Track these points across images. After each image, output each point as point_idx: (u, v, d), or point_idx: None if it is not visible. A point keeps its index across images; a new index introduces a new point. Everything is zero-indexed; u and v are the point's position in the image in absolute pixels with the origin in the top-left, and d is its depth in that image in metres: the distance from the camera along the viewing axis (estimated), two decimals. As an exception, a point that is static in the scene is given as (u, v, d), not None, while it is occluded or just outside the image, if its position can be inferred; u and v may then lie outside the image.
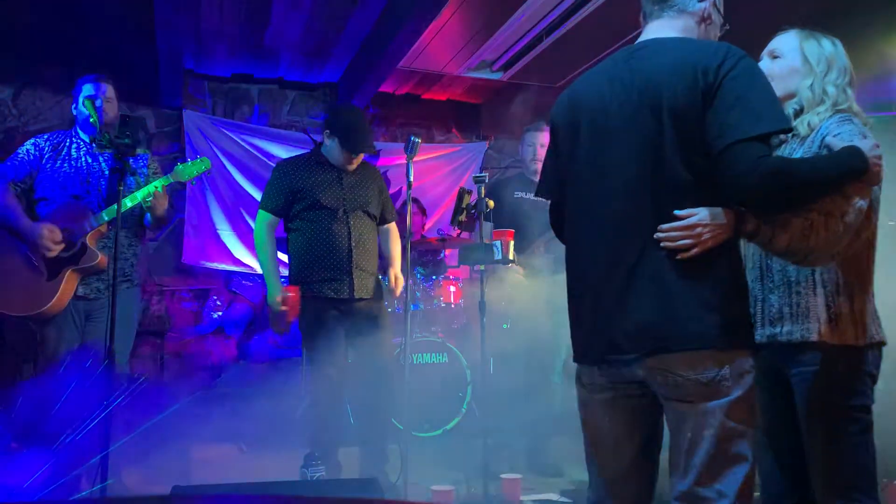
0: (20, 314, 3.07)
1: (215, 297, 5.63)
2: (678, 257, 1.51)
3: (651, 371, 1.53)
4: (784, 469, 1.90)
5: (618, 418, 1.64)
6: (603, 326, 1.60)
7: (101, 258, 3.17)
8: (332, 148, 3.42)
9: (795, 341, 1.81)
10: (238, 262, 5.51)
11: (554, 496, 3.45)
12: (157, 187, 3.14)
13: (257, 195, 5.14)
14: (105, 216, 3.13)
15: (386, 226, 3.62)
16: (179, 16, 4.22)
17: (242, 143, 5.62)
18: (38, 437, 3.08)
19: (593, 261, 1.64)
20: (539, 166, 3.89)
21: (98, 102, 3.25)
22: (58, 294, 3.08)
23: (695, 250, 1.50)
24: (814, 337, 1.79)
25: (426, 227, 5.70)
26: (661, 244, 1.53)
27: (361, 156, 3.48)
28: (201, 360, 5.51)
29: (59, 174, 3.19)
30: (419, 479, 3.56)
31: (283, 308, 3.28)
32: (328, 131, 3.42)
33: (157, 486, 3.39)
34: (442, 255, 4.96)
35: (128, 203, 3.10)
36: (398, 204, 5.73)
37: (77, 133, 3.31)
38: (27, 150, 3.20)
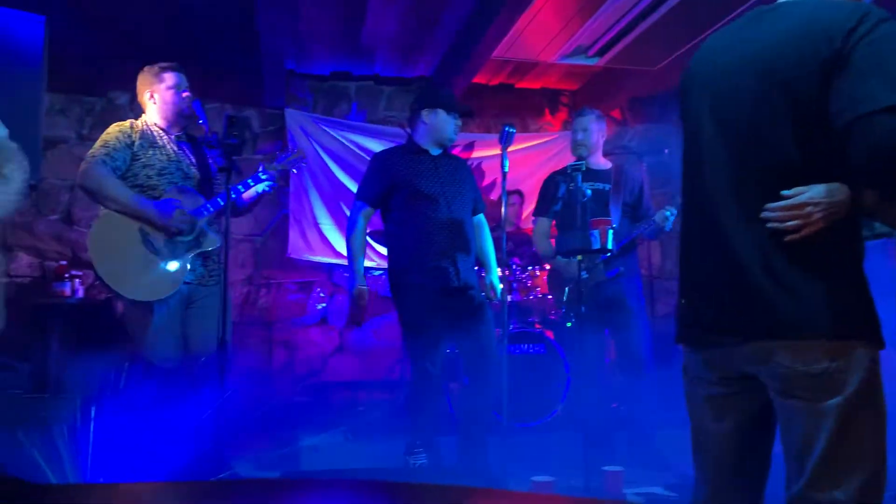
0: (142, 299, 3.03)
1: (319, 289, 5.80)
2: (787, 239, 1.40)
3: (756, 360, 1.44)
4: None
5: (723, 413, 1.55)
6: (706, 308, 1.53)
7: (214, 240, 3.20)
8: (433, 125, 3.43)
9: None
10: (339, 254, 5.65)
11: (658, 490, 3.38)
12: (264, 187, 3.30)
13: (355, 189, 5.25)
14: (211, 207, 3.17)
15: (476, 217, 3.63)
16: (281, 18, 4.37)
17: (341, 139, 5.75)
18: (149, 426, 3.22)
19: (701, 240, 1.57)
20: (582, 151, 3.82)
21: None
22: (178, 278, 3.09)
23: (804, 231, 1.39)
24: None
25: (524, 216, 5.67)
26: (769, 225, 1.43)
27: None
28: (306, 350, 5.71)
29: (154, 163, 3.17)
30: (519, 470, 3.57)
31: (362, 302, 3.36)
32: (426, 110, 3.45)
33: (267, 474, 3.54)
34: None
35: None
36: (494, 195, 5.73)
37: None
38: (117, 139, 3.16)
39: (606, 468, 3.25)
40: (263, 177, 3.30)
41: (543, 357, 4.34)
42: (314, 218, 5.64)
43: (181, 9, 4.68)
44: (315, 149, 5.69)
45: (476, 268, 3.65)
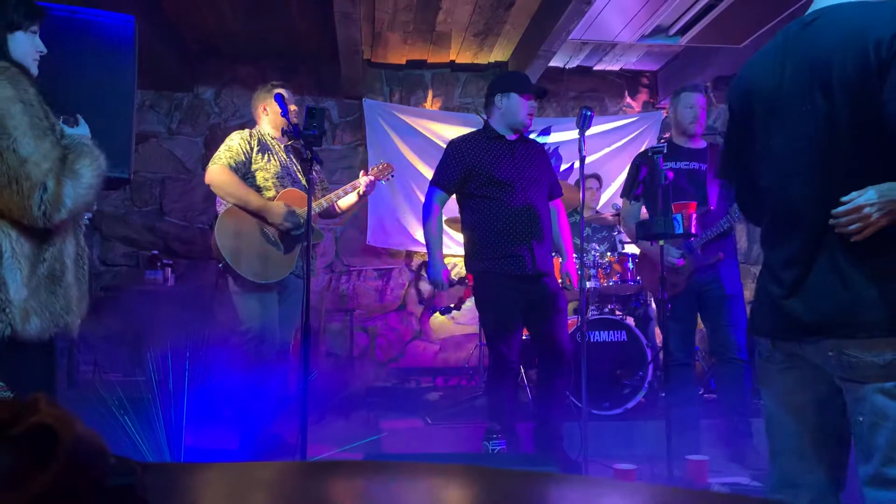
0: (256, 280, 3.44)
1: (398, 276, 5.87)
2: (852, 240, 1.47)
3: (826, 355, 1.51)
4: None
5: (796, 391, 1.61)
6: (780, 308, 1.59)
7: (321, 234, 3.71)
8: (507, 109, 3.41)
9: None
10: (418, 242, 5.70)
11: (744, 479, 3.29)
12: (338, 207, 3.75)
13: (430, 174, 5.30)
14: (317, 206, 3.59)
15: (553, 202, 3.59)
16: (356, 8, 4.41)
17: (418, 128, 5.79)
18: (242, 409, 3.39)
19: (774, 245, 1.65)
20: (698, 129, 3.70)
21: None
22: (288, 265, 3.52)
23: (866, 232, 1.44)
24: None
25: (602, 201, 5.58)
26: (836, 230, 1.49)
27: (533, 117, 3.48)
28: (386, 336, 5.80)
29: (269, 168, 3.60)
30: (600, 457, 3.53)
31: (442, 291, 3.38)
32: (499, 94, 3.44)
33: (349, 456, 3.62)
34: (617, 230, 4.83)
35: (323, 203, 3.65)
36: (572, 179, 5.66)
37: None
38: (239, 145, 3.57)
39: (690, 457, 3.18)
40: (353, 193, 3.73)
41: (625, 344, 4.27)
42: (393, 207, 5.70)
43: (260, 4, 4.80)
44: (392, 138, 5.74)
45: (553, 254, 3.62)
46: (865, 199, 1.44)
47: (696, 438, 3.60)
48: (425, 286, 5.80)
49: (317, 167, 3.28)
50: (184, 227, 5.66)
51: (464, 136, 3.56)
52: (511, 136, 3.45)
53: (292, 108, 3.66)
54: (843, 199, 1.47)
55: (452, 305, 3.45)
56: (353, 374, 5.49)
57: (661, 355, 4.09)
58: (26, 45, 1.91)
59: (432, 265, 3.44)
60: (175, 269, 5.37)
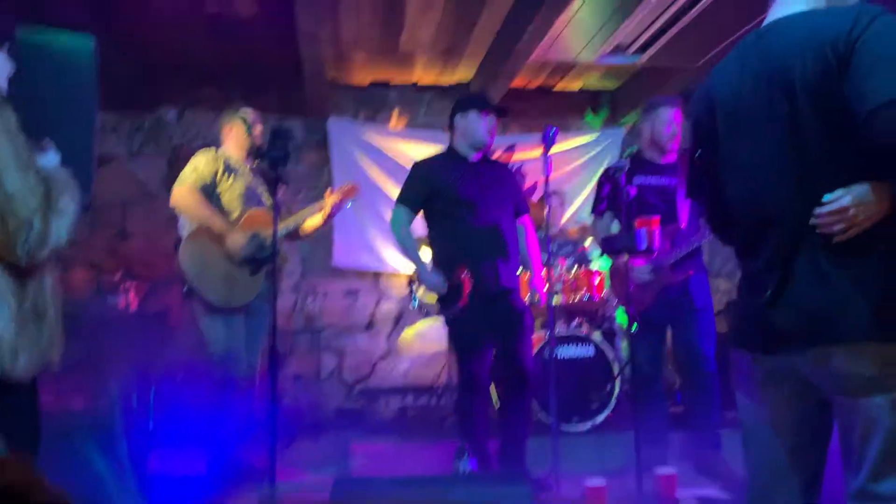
0: (222, 304, 3.42)
1: (365, 296, 5.85)
2: (834, 241, 1.44)
3: (811, 365, 1.48)
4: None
5: (777, 410, 1.58)
6: (762, 318, 1.55)
7: (286, 257, 3.75)
8: (466, 128, 3.44)
9: None
10: (384, 262, 5.70)
11: (713, 492, 3.32)
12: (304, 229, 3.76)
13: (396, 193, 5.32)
14: (283, 227, 3.56)
15: (520, 219, 3.61)
16: (321, 27, 4.43)
17: (383, 148, 5.80)
18: (209, 434, 3.34)
19: (750, 254, 1.63)
20: (674, 145, 3.75)
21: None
22: (254, 289, 3.48)
23: (850, 232, 1.42)
24: None
25: (564, 218, 5.64)
26: (817, 231, 1.46)
27: (493, 138, 3.51)
28: (354, 356, 5.76)
29: (234, 189, 3.59)
30: (570, 473, 3.54)
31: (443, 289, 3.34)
32: (458, 115, 3.48)
33: (319, 479, 3.58)
34: (582, 246, 4.89)
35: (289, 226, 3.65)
36: (536, 197, 5.71)
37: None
38: (205, 166, 3.56)
39: (659, 470, 3.21)
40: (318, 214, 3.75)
41: (592, 359, 4.31)
42: (359, 226, 5.69)
43: (224, 24, 4.78)
44: (357, 157, 5.75)
45: (520, 271, 3.64)
46: (851, 198, 1.42)
47: (665, 451, 3.63)
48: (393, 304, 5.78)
49: (282, 188, 3.27)
50: (147, 249, 5.58)
51: (428, 157, 3.60)
52: (474, 157, 3.48)
53: (258, 128, 3.67)
54: (826, 198, 1.44)
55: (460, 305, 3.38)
56: (321, 395, 5.44)
57: (628, 369, 4.13)
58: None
59: (422, 272, 3.43)
60: (138, 293, 5.27)
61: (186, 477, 3.40)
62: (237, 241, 3.45)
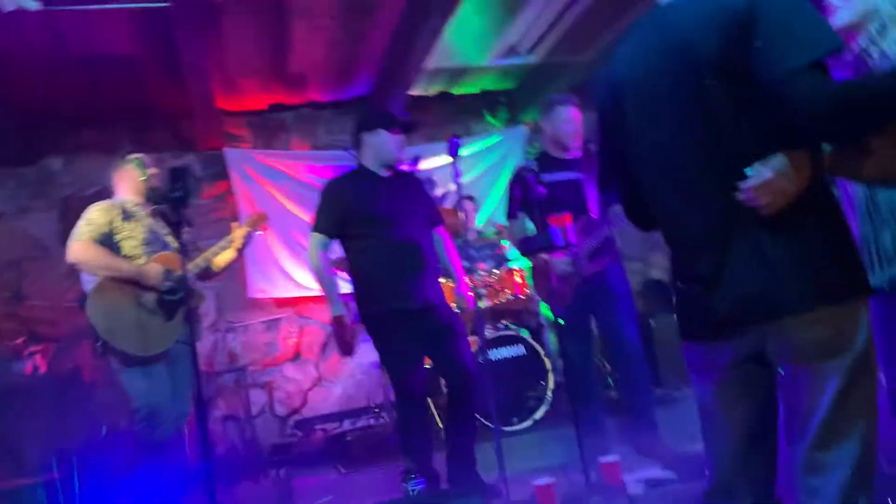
0: (140, 353, 3.26)
1: (287, 325, 5.71)
2: (764, 215, 1.40)
3: (766, 339, 1.45)
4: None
5: (733, 398, 1.55)
6: (705, 307, 1.52)
7: (202, 296, 3.62)
8: (377, 147, 3.40)
9: None
10: (302, 286, 5.58)
11: (656, 471, 3.38)
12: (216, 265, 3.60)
13: (308, 217, 5.23)
14: (193, 267, 3.45)
15: (436, 229, 3.59)
16: (205, 58, 4.29)
17: (287, 171, 5.69)
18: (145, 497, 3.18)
19: (682, 240, 1.59)
20: (576, 143, 3.81)
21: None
22: (172, 334, 3.35)
23: (779, 202, 1.38)
24: None
25: (479, 221, 5.67)
26: (744, 208, 1.42)
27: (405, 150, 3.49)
28: (284, 388, 5.61)
29: (135, 235, 3.44)
30: (516, 474, 3.55)
31: (345, 331, 3.31)
32: (366, 132, 3.42)
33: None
34: (500, 247, 4.92)
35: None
36: (448, 204, 5.71)
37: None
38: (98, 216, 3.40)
39: (602, 459, 3.24)
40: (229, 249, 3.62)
41: (524, 357, 4.34)
42: (272, 254, 5.56)
43: (96, 63, 4.55)
44: (261, 185, 5.61)
45: (444, 281, 3.63)
46: (773, 169, 1.38)
47: (605, 439, 3.68)
48: (318, 330, 5.67)
49: (187, 228, 3.14)
50: (49, 308, 5.26)
51: (337, 178, 3.51)
52: (385, 173, 3.44)
53: (152, 171, 3.52)
54: (748, 171, 1.40)
55: (349, 350, 3.36)
56: (255, 433, 5.27)
57: (560, 362, 4.18)
58: None
59: (336, 309, 3.36)
60: (45, 355, 4.98)
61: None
62: (153, 271, 3.31)
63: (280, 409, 5.57)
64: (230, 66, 5.02)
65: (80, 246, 3.29)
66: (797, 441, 1.43)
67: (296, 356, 5.70)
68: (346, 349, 3.39)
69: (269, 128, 5.93)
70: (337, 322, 3.35)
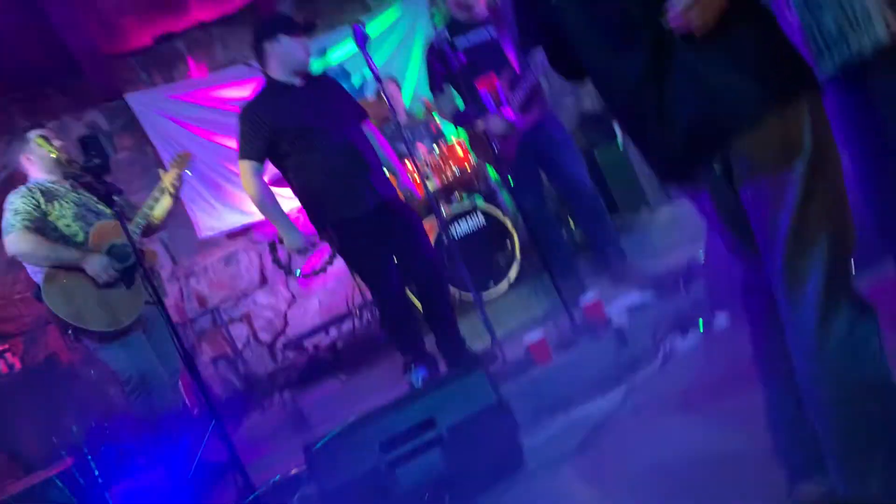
0: (123, 325, 3.23)
1: (246, 255, 5.66)
2: (696, 36, 1.34)
3: (727, 160, 1.42)
4: None
5: (717, 213, 1.52)
6: (659, 143, 1.48)
7: (154, 252, 3.55)
8: (282, 55, 3.23)
9: (868, 53, 1.63)
10: (248, 213, 5.48)
11: (635, 297, 3.51)
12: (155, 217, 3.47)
13: (233, 143, 5.07)
14: (136, 230, 3.31)
15: (363, 124, 3.46)
16: (77, 11, 3.97)
17: (197, 102, 5.44)
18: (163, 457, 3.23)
19: (616, 84, 1.53)
20: (480, 0, 3.69)
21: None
22: (137, 299, 3.30)
23: (709, 18, 1.33)
24: (886, 38, 1.60)
25: (406, 101, 5.55)
26: (674, 32, 1.36)
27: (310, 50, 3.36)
28: (263, 315, 5.63)
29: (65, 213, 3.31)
30: (507, 336, 3.68)
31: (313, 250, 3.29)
32: (267, 42, 3.24)
33: (286, 448, 3.56)
34: (434, 124, 4.85)
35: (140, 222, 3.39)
36: (370, 94, 5.56)
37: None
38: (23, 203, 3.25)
39: (583, 300, 3.36)
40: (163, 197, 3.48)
41: (485, 225, 4.39)
42: (207, 190, 5.41)
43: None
44: (174, 124, 5.38)
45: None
46: None
47: (580, 280, 3.81)
48: (285, 254, 5.62)
49: (117, 196, 3.04)
50: (1, 305, 5.11)
51: (252, 100, 3.32)
52: (298, 82, 3.28)
53: (59, 143, 3.31)
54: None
55: (321, 268, 3.35)
56: (247, 367, 5.34)
57: (520, 219, 4.25)
58: None
59: (287, 233, 3.31)
60: (15, 351, 4.88)
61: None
62: (96, 262, 3.22)
63: (265, 336, 5.61)
64: (103, 7, 4.66)
65: (16, 237, 3.17)
66: (772, 260, 1.41)
67: (263, 282, 5.69)
68: (315, 272, 3.37)
69: (163, 61, 5.61)
70: (302, 249, 3.32)
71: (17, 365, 4.82)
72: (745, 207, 1.45)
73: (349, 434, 2.51)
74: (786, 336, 1.44)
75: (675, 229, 4.28)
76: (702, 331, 3.02)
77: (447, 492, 2.45)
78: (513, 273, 4.36)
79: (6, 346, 4.86)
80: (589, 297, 3.37)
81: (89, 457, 3.31)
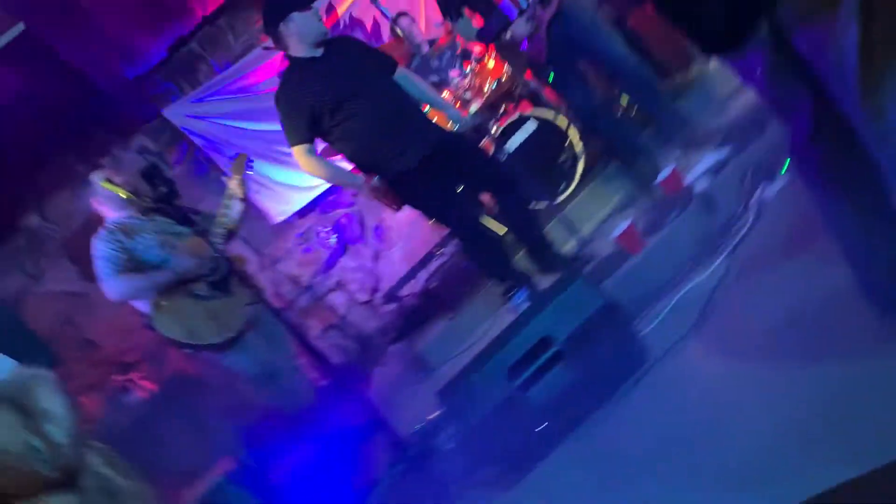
0: (234, 331, 3.36)
1: (320, 229, 5.79)
2: None
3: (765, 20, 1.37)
4: None
5: None
6: (700, 13, 1.41)
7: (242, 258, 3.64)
8: (298, 33, 3.21)
9: None
10: (311, 187, 5.58)
11: (712, 156, 3.40)
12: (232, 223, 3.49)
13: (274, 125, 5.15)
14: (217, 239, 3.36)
15: (397, 72, 3.43)
16: (91, 48, 4.05)
17: (229, 97, 5.50)
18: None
19: None
20: None
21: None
22: (239, 304, 3.41)
23: None
24: None
25: (425, 30, 5.44)
26: None
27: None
28: (354, 277, 5.78)
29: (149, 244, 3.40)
30: (593, 234, 3.68)
31: (381, 192, 3.31)
32: (281, 24, 3.22)
33: (409, 391, 3.69)
34: (458, 47, 4.76)
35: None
36: (385, 36, 5.47)
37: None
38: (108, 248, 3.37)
39: (660, 176, 3.29)
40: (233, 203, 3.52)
41: (538, 130, 4.32)
42: (266, 177, 5.52)
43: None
44: (219, 125, 5.47)
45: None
46: None
47: (650, 157, 3.73)
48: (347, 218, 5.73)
49: (195, 216, 3.15)
50: (118, 340, 5.42)
51: (282, 85, 3.33)
52: (319, 52, 3.26)
53: (121, 179, 3.40)
54: None
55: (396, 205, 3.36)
56: (356, 328, 5.55)
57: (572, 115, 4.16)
58: None
59: (353, 182, 3.35)
60: (144, 377, 5.22)
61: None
62: (194, 266, 3.34)
63: (362, 297, 5.78)
64: (112, 35, 4.73)
65: (113, 284, 3.31)
66: (845, 99, 1.34)
67: (344, 248, 5.82)
68: (395, 204, 3.37)
69: (185, 67, 5.65)
70: (370, 192, 3.35)
71: (152, 387, 5.16)
72: (803, 57, 1.39)
73: (474, 370, 2.60)
74: (882, 172, 1.39)
75: (733, 76, 4.09)
76: (786, 172, 2.93)
77: (581, 399, 2.53)
78: (580, 169, 4.29)
79: (136, 375, 5.20)
80: (664, 171, 3.30)
81: (246, 451, 3.55)
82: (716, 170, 3.26)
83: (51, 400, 1.71)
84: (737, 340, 2.36)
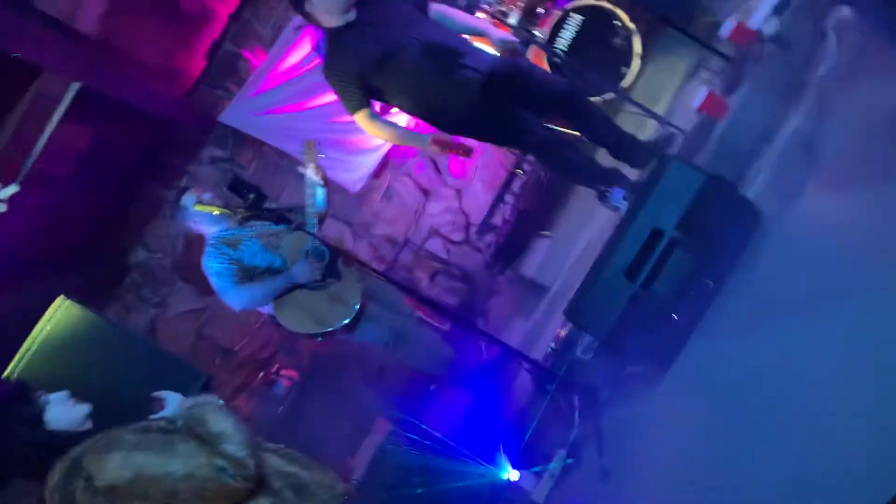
0: (355, 311, 3.46)
1: (397, 184, 5.84)
2: None
3: None
4: None
5: None
6: None
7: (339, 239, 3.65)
8: (324, 6, 3.19)
9: None
10: (377, 148, 5.60)
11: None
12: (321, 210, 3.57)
13: (324, 98, 5.18)
14: (311, 228, 3.44)
15: (431, 10, 3.39)
16: (142, 83, 4.16)
17: (275, 83, 5.54)
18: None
19: None
20: None
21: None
22: (353, 286, 3.52)
23: None
24: None
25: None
26: None
27: None
28: (445, 222, 5.84)
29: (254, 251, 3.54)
30: (671, 110, 3.57)
31: (446, 144, 3.30)
32: (306, 4, 3.21)
33: (531, 316, 3.75)
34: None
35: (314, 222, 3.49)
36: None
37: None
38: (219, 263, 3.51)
39: (723, 31, 3.14)
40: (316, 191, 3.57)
41: (588, 19, 4.19)
42: (334, 152, 5.56)
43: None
44: (269, 114, 5.53)
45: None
46: None
47: (709, 13, 3.55)
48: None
49: (289, 213, 3.25)
50: (251, 341, 5.70)
51: (326, 57, 3.36)
52: (352, 16, 3.25)
53: (209, 196, 3.52)
54: None
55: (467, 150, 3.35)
56: (460, 268, 5.63)
57: None
58: None
59: (422, 144, 3.37)
60: (286, 367, 5.48)
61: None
62: (301, 270, 3.43)
63: (458, 236, 5.83)
64: (152, 65, 4.84)
65: (233, 296, 3.45)
66: None
67: (426, 194, 5.87)
68: (465, 151, 3.38)
69: (226, 69, 5.70)
70: (435, 146, 3.33)
71: (295, 376, 5.42)
72: None
73: (593, 282, 2.62)
74: None
75: None
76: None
77: (705, 277, 2.51)
78: (637, 47, 4.15)
79: (277, 366, 5.48)
80: (727, 23, 3.15)
81: (399, 410, 3.73)
82: (781, 6, 3.08)
83: (221, 421, 1.85)
84: (852, 171, 2.27)
